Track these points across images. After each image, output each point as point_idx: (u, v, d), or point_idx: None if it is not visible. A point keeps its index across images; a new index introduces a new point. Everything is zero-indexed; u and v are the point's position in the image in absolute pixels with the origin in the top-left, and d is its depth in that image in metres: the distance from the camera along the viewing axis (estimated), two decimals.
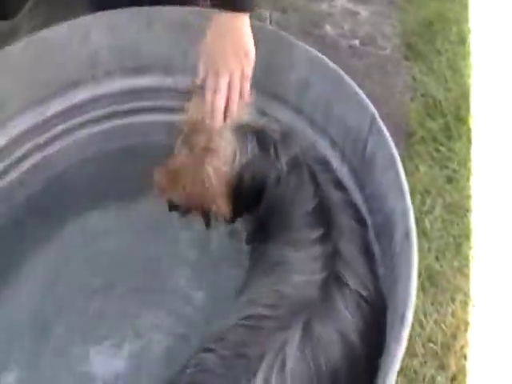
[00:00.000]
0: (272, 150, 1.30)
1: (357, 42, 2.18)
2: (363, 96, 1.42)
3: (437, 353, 1.53)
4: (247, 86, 1.37)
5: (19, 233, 1.56)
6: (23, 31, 1.94)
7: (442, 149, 1.92)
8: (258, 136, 1.31)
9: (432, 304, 1.60)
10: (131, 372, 1.42)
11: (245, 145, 1.30)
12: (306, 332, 1.09)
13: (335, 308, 1.13)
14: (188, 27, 1.54)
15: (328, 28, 2.20)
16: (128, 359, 1.43)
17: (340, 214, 1.27)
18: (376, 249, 1.34)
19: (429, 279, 1.63)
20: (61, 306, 1.50)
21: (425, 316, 1.57)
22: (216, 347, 1.12)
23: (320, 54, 1.50)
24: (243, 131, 1.31)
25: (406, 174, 1.27)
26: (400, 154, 1.31)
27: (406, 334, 1.08)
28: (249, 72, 1.37)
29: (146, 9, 1.56)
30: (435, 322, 1.58)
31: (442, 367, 1.52)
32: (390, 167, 1.32)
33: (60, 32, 1.51)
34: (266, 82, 1.54)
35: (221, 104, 1.33)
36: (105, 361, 1.44)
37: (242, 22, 1.34)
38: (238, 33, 1.35)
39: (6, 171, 1.56)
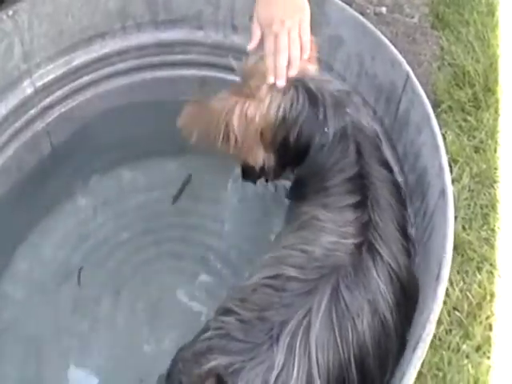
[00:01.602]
0: (321, 114, 1.23)
1: (384, 10, 2.12)
2: (397, 54, 1.38)
3: (462, 321, 1.50)
4: (307, 39, 1.29)
5: (45, 183, 1.54)
6: None
7: (470, 119, 1.88)
8: (311, 96, 1.24)
9: (458, 273, 1.57)
10: (151, 321, 1.41)
11: (295, 101, 1.23)
12: (334, 298, 1.03)
13: (367, 276, 1.07)
14: None
15: None
16: (148, 311, 1.42)
17: (380, 188, 1.19)
18: (408, 209, 1.30)
19: (455, 248, 1.59)
20: (86, 259, 1.49)
21: (451, 284, 1.53)
22: (238, 309, 1.07)
23: (353, 11, 1.46)
24: (297, 86, 1.24)
25: None
26: None
27: (442, 291, 1.04)
28: (306, 25, 1.29)
29: None
30: (461, 290, 1.54)
31: (467, 336, 1.48)
32: (425, 125, 1.28)
33: None
34: None
35: (283, 64, 1.25)
36: (125, 313, 1.42)
37: None
38: None
39: (32, 121, 1.53)
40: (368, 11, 2.10)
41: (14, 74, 1.44)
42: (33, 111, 1.52)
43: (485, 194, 1.73)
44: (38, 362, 1.36)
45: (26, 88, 1.48)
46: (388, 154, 1.37)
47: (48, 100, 1.54)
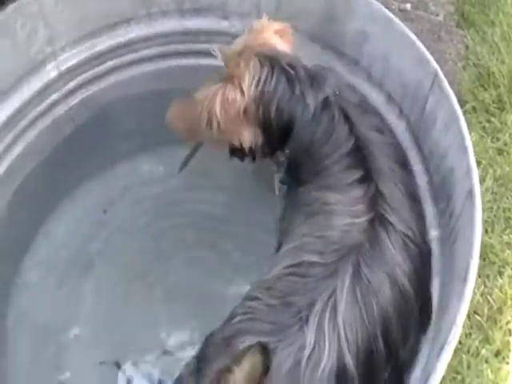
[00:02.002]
0: (297, 89, 1.25)
1: (408, 6, 2.09)
2: (425, 51, 1.35)
3: (482, 325, 1.48)
4: None
5: (65, 168, 1.53)
6: None
7: (494, 120, 1.84)
8: (286, 72, 1.26)
9: (479, 276, 1.54)
10: (168, 308, 1.42)
11: (269, 75, 1.26)
12: (356, 276, 1.07)
13: (383, 250, 1.10)
14: None
15: None
16: (165, 297, 1.43)
17: (379, 155, 1.22)
18: (432, 210, 1.28)
19: None
20: (104, 244, 1.50)
21: None
22: (263, 296, 1.10)
23: (381, 6, 1.43)
24: (272, 63, 1.27)
25: None
26: None
27: (468, 295, 1.02)
28: None
29: None
30: (482, 294, 1.52)
31: (487, 340, 1.46)
32: (452, 125, 1.26)
33: None
34: (322, 33, 1.49)
35: None
36: (143, 299, 1.43)
37: None
38: None
39: (55, 105, 1.52)
40: (393, 7, 2.07)
41: (38, 58, 1.44)
42: (56, 95, 1.52)
43: (507, 198, 1.70)
44: (56, 346, 1.38)
45: (50, 71, 1.47)
46: (413, 153, 1.36)
47: (72, 84, 1.53)
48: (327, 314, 1.03)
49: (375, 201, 1.14)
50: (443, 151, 1.28)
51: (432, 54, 1.38)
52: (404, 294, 1.09)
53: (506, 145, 1.80)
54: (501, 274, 1.56)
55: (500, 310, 1.51)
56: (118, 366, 1.35)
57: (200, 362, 1.08)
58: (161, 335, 1.38)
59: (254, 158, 1.38)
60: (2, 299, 1.41)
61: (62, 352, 1.37)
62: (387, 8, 2.01)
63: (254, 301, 1.10)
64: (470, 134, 1.74)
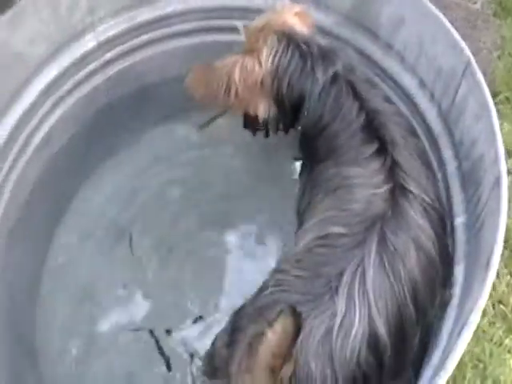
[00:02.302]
0: (309, 65, 1.31)
1: None
2: (459, 39, 1.35)
3: (506, 315, 1.47)
4: None
5: (100, 137, 1.57)
6: None
7: None
8: (300, 48, 1.32)
9: (505, 266, 1.53)
10: (200, 281, 1.45)
11: (285, 51, 1.32)
12: (382, 244, 1.09)
13: (405, 217, 1.14)
14: None
15: None
16: (196, 269, 1.46)
17: (390, 126, 1.26)
18: (459, 196, 1.29)
19: (504, 241, 1.53)
20: (137, 213, 1.54)
21: (497, 277, 1.50)
22: (294, 269, 1.13)
23: None
24: (289, 41, 1.33)
25: None
26: None
27: (490, 279, 1.02)
28: None
29: None
30: (507, 284, 1.51)
31: (511, 330, 1.46)
32: (483, 113, 1.26)
33: None
34: (357, 15, 1.50)
35: None
36: (179, 267, 1.46)
37: None
38: None
39: (92, 75, 1.57)
40: None
41: (78, 28, 1.48)
42: (94, 64, 1.56)
43: None
44: (91, 304, 1.43)
45: (89, 41, 1.51)
46: (444, 139, 1.36)
47: (109, 55, 1.57)
48: (356, 282, 1.06)
49: (393, 171, 1.19)
50: (473, 139, 1.28)
51: (467, 42, 1.37)
52: (429, 257, 1.12)
53: None
54: None
55: None
56: (152, 332, 1.39)
57: (233, 333, 1.11)
58: (192, 305, 1.42)
59: (267, 133, 1.44)
60: (38, 260, 1.46)
61: (93, 315, 1.42)
62: None
63: (284, 273, 1.13)
64: (503, 124, 1.78)
